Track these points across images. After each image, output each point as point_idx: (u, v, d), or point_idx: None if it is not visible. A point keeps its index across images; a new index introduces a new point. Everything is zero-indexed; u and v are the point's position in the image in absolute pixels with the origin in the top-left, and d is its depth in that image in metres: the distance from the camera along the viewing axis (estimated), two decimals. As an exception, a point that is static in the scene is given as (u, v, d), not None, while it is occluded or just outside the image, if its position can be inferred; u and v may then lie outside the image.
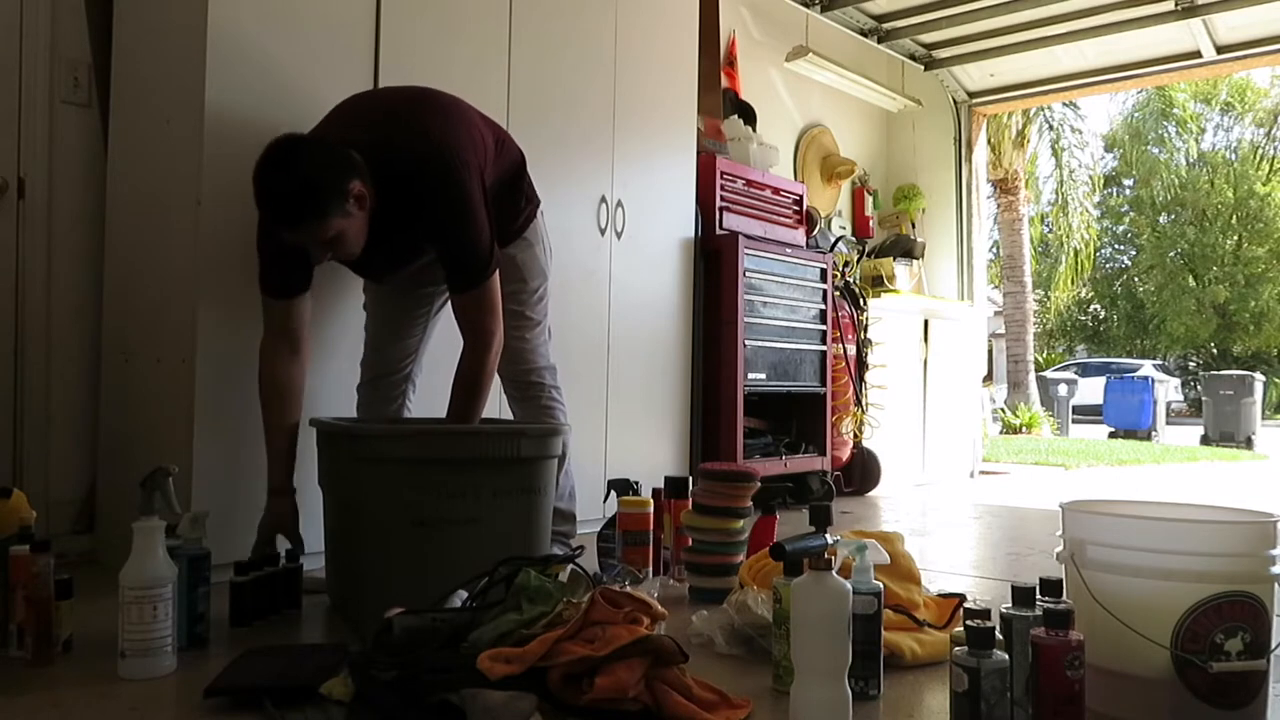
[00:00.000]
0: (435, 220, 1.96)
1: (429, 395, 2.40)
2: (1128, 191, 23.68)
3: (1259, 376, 10.86)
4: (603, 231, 3.14)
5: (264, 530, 2.02)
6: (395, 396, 2.36)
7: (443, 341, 2.35)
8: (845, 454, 4.36)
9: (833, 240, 4.67)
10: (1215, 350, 22.45)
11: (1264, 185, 21.02)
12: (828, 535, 1.58)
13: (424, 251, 2.12)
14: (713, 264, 3.60)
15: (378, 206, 1.93)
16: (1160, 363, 21.13)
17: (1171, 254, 22.40)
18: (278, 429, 2.03)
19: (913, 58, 5.65)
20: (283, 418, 2.03)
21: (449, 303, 2.14)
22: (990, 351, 13.93)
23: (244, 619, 1.82)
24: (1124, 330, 24.20)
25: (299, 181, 1.82)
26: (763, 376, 3.71)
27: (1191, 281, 22.00)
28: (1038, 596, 1.35)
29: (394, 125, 1.98)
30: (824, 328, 4.05)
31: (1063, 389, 12.90)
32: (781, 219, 4.01)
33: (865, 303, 4.53)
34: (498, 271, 2.04)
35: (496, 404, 2.67)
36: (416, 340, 2.38)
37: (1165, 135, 22.24)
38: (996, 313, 14.93)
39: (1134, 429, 11.75)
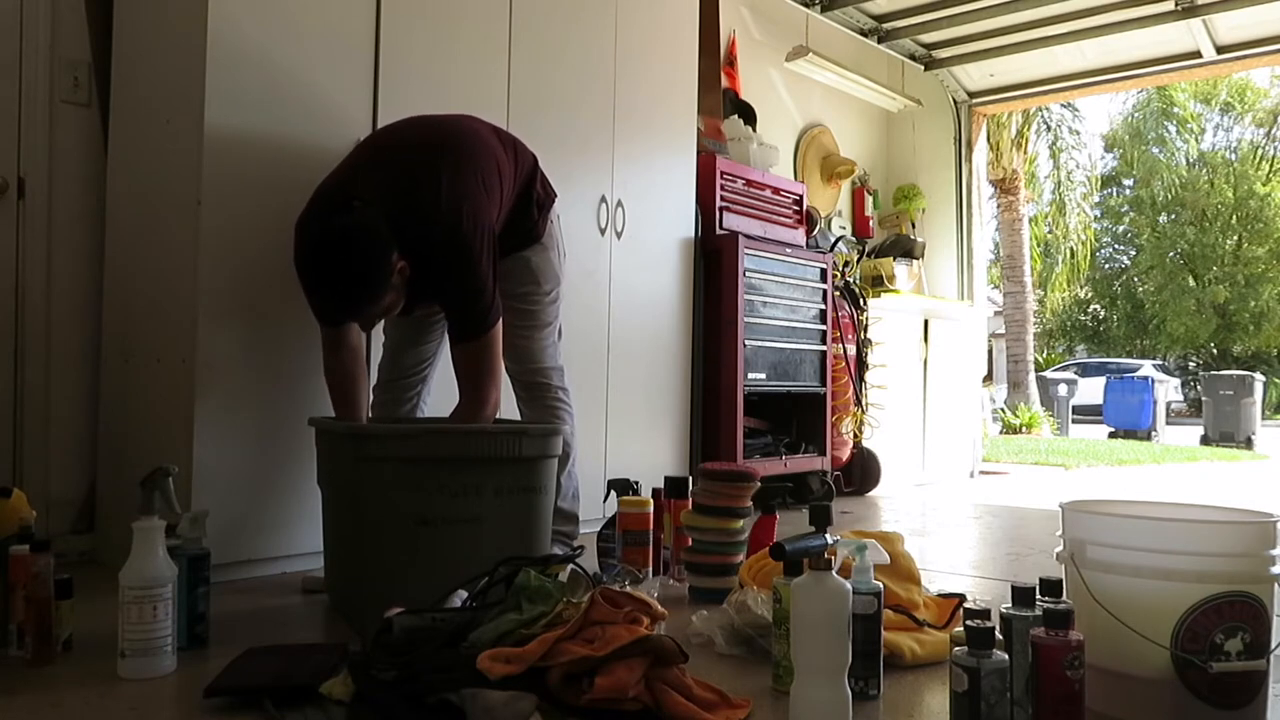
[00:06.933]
0: (440, 278, 2.00)
1: (443, 396, 2.41)
2: (1127, 191, 23.68)
3: (1259, 376, 10.86)
4: (603, 231, 3.14)
5: None
6: (410, 398, 2.38)
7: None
8: (845, 454, 4.36)
9: (833, 240, 4.67)
10: (1215, 350, 22.45)
11: (1264, 185, 21.02)
12: (828, 535, 1.57)
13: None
14: (713, 264, 3.60)
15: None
16: (1160, 363, 21.13)
17: (1171, 254, 22.39)
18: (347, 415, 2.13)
19: (913, 58, 5.65)
20: (349, 406, 2.12)
21: None
22: (990, 351, 13.93)
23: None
24: (1124, 330, 24.20)
25: (353, 277, 1.90)
26: (763, 376, 3.71)
27: (1191, 281, 22.00)
28: (1038, 596, 1.35)
29: (413, 187, 1.98)
30: (824, 328, 4.05)
31: (1063, 389, 12.90)
32: (781, 219, 4.01)
33: (865, 303, 4.53)
34: (499, 326, 2.06)
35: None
36: (434, 346, 2.39)
37: (1165, 135, 22.22)
38: (996, 313, 14.92)
39: (1134, 429, 11.75)
